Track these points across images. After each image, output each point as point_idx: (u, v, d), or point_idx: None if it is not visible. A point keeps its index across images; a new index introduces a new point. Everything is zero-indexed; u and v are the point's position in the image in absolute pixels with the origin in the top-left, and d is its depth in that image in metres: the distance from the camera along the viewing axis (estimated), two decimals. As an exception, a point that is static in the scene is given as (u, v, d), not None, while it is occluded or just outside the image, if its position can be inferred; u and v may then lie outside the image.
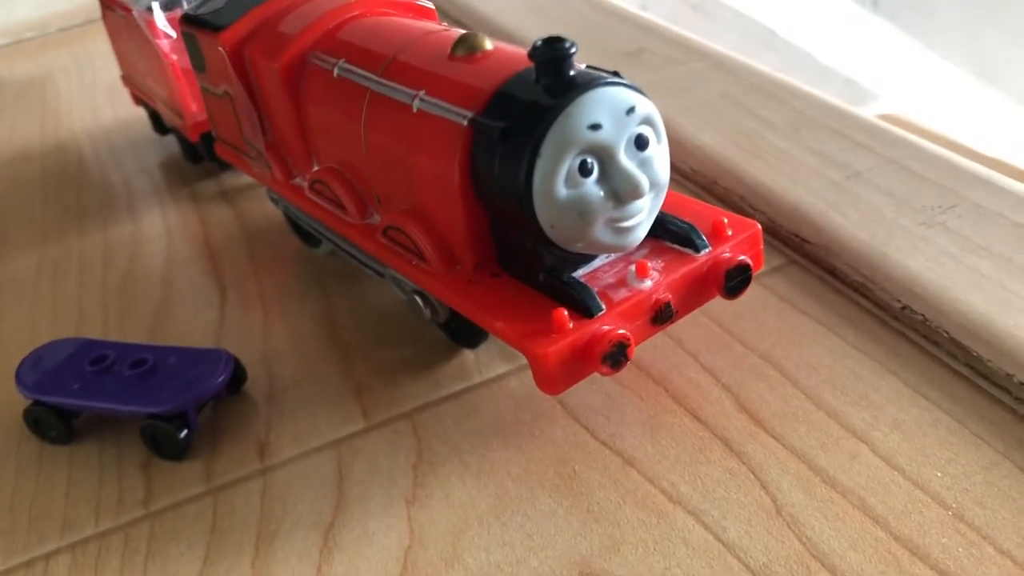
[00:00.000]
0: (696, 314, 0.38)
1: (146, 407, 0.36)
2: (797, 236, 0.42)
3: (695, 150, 0.49)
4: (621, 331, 0.31)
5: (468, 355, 0.39)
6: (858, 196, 0.43)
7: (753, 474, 0.31)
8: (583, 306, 0.31)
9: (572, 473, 0.33)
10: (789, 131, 0.49)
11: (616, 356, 0.31)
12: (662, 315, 0.32)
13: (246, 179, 0.57)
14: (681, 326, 0.38)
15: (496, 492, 0.32)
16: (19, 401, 0.39)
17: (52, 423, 0.38)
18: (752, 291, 0.39)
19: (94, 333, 0.45)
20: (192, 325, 0.45)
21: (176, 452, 0.36)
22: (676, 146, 0.33)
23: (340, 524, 0.32)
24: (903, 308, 0.37)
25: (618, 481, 0.32)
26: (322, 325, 0.43)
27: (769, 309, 0.39)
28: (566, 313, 0.31)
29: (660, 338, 0.37)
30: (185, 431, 0.36)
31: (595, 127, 0.30)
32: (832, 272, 0.40)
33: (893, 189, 0.43)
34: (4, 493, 0.37)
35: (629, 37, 0.65)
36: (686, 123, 0.51)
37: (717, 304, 0.37)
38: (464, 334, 0.39)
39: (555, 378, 0.31)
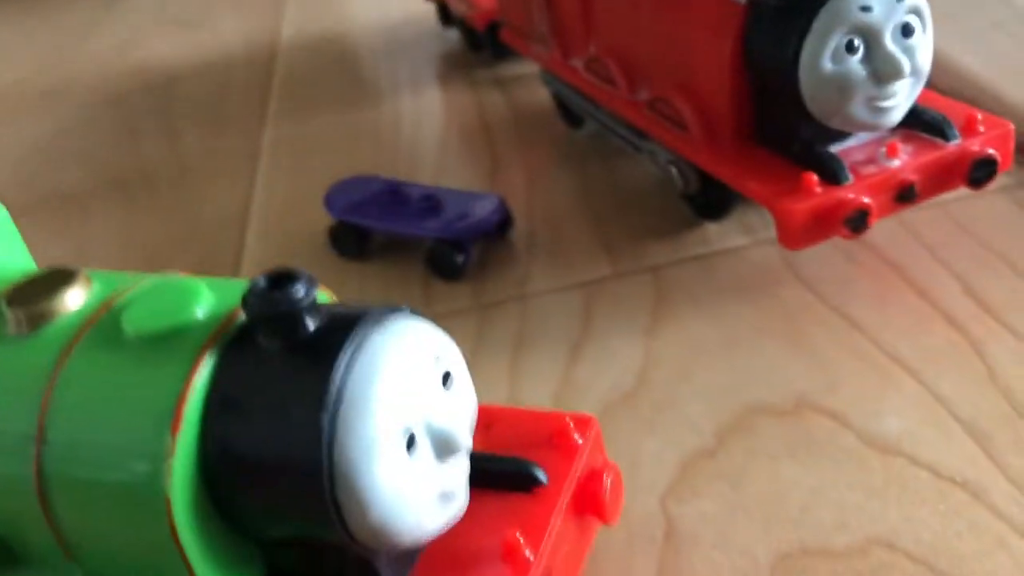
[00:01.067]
0: (934, 207, 0.40)
1: (432, 232, 0.43)
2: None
3: (956, 70, 0.50)
4: (865, 200, 0.34)
5: (711, 226, 0.43)
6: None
7: (973, 347, 0.33)
8: (832, 174, 0.34)
9: (799, 329, 0.36)
10: (1059, 62, 0.49)
11: (857, 222, 0.34)
12: (905, 194, 0.35)
13: (520, 69, 0.63)
14: (918, 216, 0.40)
15: (726, 335, 0.36)
16: (325, 221, 0.47)
17: (351, 241, 0.45)
18: (993, 195, 0.40)
19: (384, 181, 0.53)
20: (467, 183, 0.51)
21: (452, 274, 0.42)
22: (936, 65, 0.35)
23: (585, 342, 0.37)
24: None
25: (842, 340, 0.35)
26: (579, 193, 0.48)
27: (1007, 214, 0.40)
28: (816, 178, 0.34)
29: (896, 225, 0.40)
30: (462, 257, 0.42)
31: (866, 9, 0.33)
32: (1083, 192, 0.41)
33: None
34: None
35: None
36: (950, 46, 0.52)
37: (956, 202, 0.39)
38: (710, 206, 0.42)
39: (799, 234, 0.34)
